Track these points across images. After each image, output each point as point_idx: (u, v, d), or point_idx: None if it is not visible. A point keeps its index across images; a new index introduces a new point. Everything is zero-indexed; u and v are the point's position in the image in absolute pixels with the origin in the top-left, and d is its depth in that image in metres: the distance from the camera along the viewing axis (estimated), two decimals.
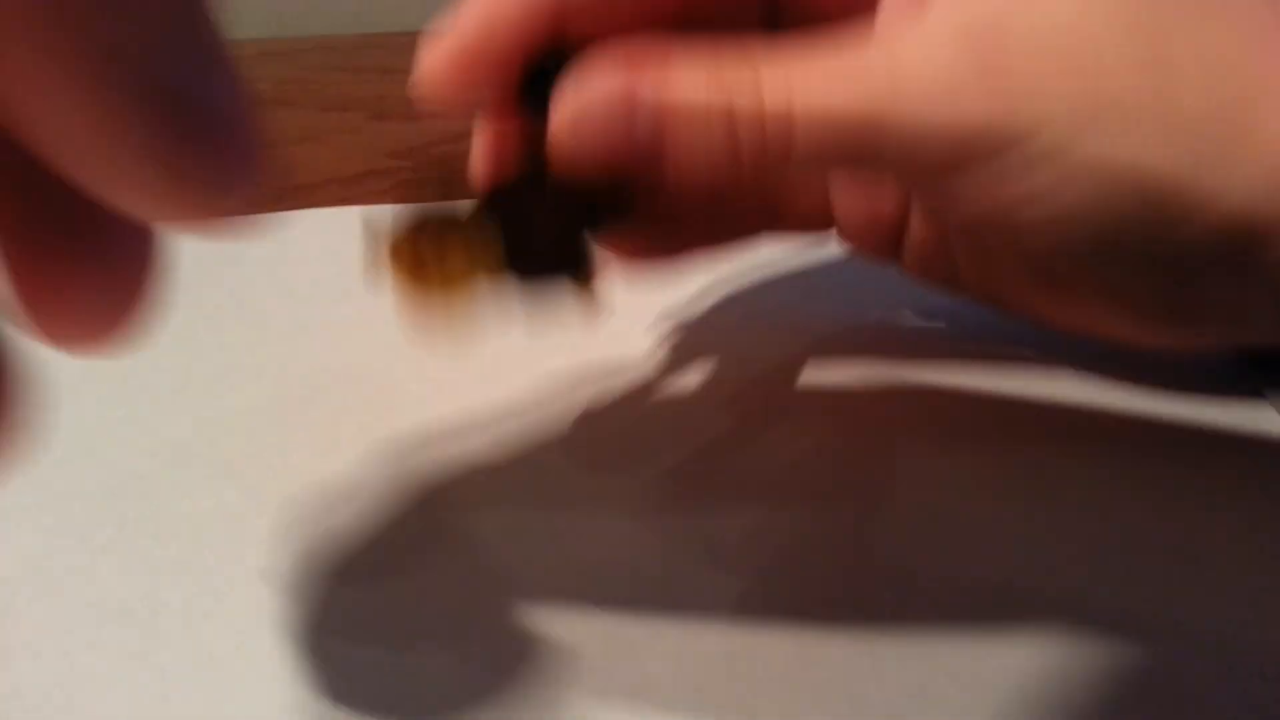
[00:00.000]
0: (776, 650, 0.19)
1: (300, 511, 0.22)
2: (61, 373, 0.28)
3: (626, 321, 0.30)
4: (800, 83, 0.19)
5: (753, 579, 0.21)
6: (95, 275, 0.13)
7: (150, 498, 0.23)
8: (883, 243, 0.28)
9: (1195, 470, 0.24)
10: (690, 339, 0.30)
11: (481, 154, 0.23)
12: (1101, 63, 0.19)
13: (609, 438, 0.25)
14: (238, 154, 0.11)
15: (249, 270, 0.35)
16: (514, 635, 0.19)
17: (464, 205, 0.16)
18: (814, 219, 0.28)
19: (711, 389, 0.27)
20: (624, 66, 0.19)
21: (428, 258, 0.15)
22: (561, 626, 0.20)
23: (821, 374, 0.28)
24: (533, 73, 0.21)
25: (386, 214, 0.17)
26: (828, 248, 0.29)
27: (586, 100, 0.19)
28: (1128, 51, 0.19)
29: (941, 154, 0.19)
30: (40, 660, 0.18)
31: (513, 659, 0.19)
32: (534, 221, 0.16)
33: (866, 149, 0.19)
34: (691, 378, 0.28)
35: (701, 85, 0.19)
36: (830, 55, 0.20)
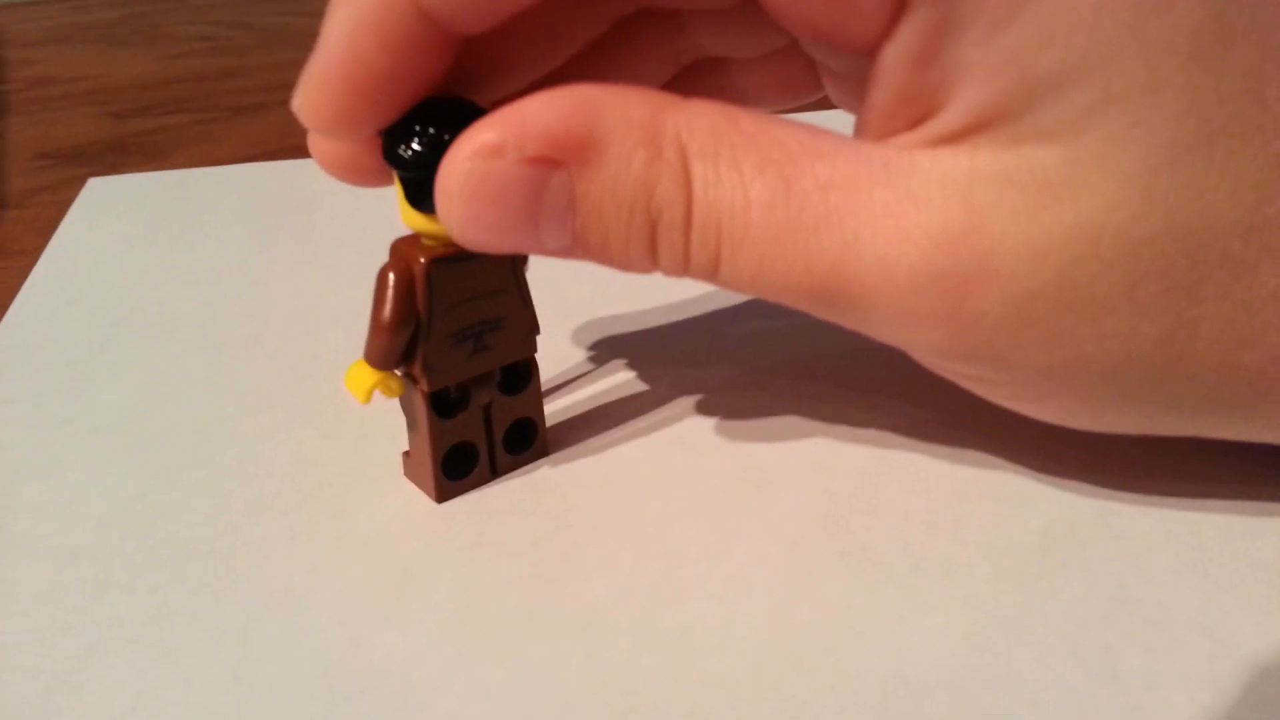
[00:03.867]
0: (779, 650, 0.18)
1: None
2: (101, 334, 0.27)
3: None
4: (737, 234, 0.17)
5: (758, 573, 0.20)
6: None
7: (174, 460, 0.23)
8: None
9: (1222, 475, 0.22)
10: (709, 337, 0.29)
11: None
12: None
13: (615, 423, 0.24)
14: None
15: (323, 214, 0.35)
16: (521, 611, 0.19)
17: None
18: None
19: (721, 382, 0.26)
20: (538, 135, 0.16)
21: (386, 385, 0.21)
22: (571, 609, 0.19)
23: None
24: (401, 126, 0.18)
25: None
26: None
27: (481, 179, 0.16)
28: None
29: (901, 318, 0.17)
30: (40, 634, 0.18)
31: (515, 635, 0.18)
32: None
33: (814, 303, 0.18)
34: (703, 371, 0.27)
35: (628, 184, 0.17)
36: (782, 197, 0.17)
